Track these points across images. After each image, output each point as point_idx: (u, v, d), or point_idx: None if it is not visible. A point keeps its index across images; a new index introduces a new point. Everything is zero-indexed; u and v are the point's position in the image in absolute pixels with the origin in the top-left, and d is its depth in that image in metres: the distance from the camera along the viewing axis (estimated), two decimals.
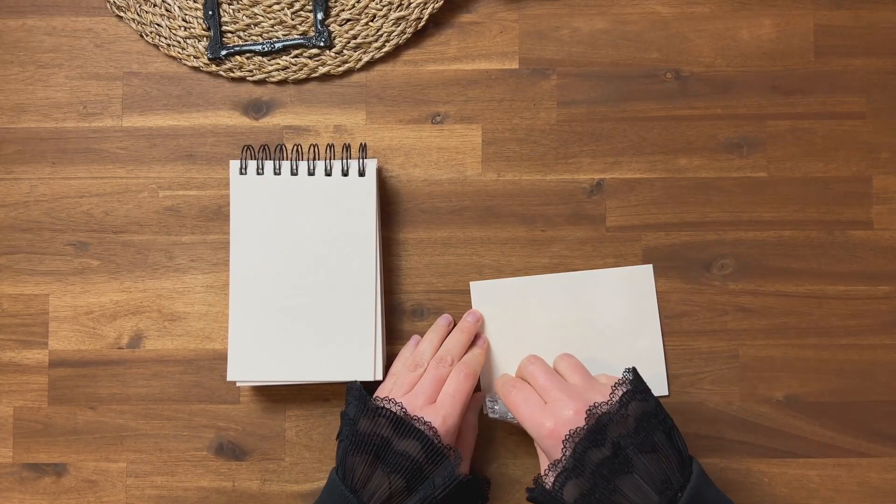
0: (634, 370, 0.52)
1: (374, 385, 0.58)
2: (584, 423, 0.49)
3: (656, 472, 0.47)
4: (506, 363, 0.60)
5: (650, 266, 0.60)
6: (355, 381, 0.55)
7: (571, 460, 0.48)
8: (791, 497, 0.60)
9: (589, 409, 0.49)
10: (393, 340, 0.61)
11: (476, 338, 0.59)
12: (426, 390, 0.53)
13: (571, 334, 0.59)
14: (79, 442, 0.60)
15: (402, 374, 0.55)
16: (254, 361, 0.57)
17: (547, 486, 0.49)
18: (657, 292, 0.60)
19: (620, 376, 0.52)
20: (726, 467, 0.60)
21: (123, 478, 0.60)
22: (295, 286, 0.57)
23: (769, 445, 0.60)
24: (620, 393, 0.50)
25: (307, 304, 0.57)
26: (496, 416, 0.58)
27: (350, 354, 0.57)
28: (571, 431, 0.49)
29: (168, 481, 0.60)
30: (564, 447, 0.49)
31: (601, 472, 0.47)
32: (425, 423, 0.51)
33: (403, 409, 0.52)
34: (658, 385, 0.59)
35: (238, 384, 0.58)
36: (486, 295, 0.60)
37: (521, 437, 0.60)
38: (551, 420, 0.50)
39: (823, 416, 0.60)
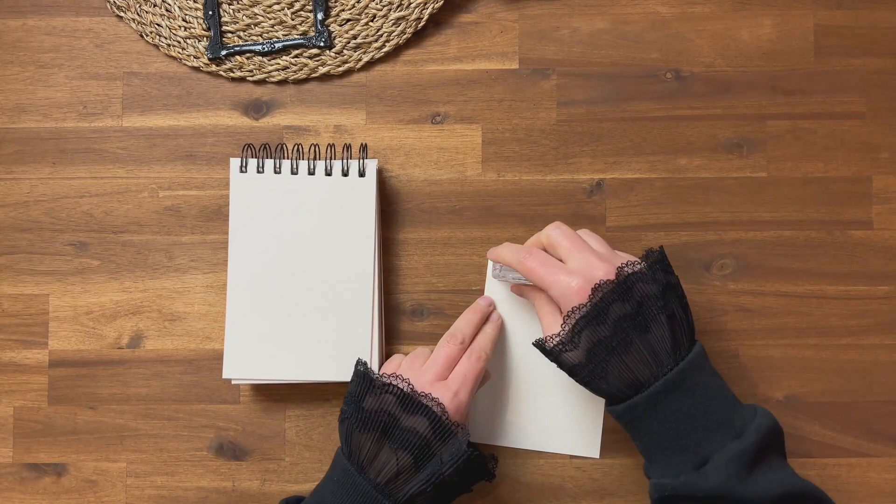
0: (661, 248, 0.53)
1: None
2: (607, 280, 0.50)
3: (668, 337, 0.49)
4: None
5: None
6: (360, 360, 0.55)
7: (597, 308, 0.49)
8: None
9: (619, 268, 0.50)
10: (392, 341, 0.61)
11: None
12: (435, 366, 0.53)
13: None
14: (79, 442, 0.60)
15: (408, 357, 0.55)
16: (250, 359, 0.57)
17: (561, 332, 0.50)
18: None
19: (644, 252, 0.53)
20: None
21: (123, 478, 0.60)
22: (293, 285, 0.58)
23: None
24: (651, 260, 0.51)
25: (305, 303, 0.57)
26: (501, 279, 0.58)
27: (347, 355, 0.57)
28: (601, 282, 0.49)
29: (168, 481, 0.60)
30: (592, 295, 0.49)
31: (621, 325, 0.49)
32: (433, 399, 0.51)
33: (411, 386, 0.51)
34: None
35: (233, 382, 0.58)
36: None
37: None
38: (580, 278, 0.50)
39: (823, 416, 0.60)
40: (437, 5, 0.61)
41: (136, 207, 0.61)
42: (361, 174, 0.58)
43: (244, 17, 0.61)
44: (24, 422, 0.60)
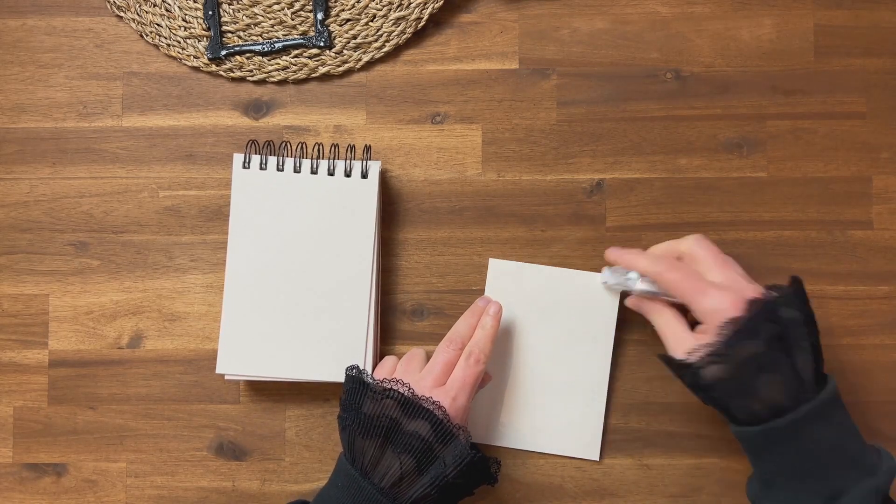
0: (800, 280, 0.53)
1: None
2: (761, 298, 0.50)
3: (810, 365, 0.49)
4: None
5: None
6: (354, 366, 0.55)
7: (751, 323, 0.49)
8: None
9: (766, 290, 0.51)
10: (393, 341, 0.61)
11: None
12: (434, 372, 0.53)
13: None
14: (79, 442, 0.60)
15: (404, 360, 0.55)
16: (244, 355, 0.57)
17: (712, 343, 0.50)
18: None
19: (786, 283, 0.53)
20: (727, 467, 0.60)
21: (123, 478, 0.60)
22: (290, 283, 0.57)
23: None
24: (794, 289, 0.51)
25: (301, 302, 0.57)
26: (617, 287, 0.58)
27: (341, 356, 0.57)
28: (754, 299, 0.50)
29: (168, 481, 0.60)
30: (748, 310, 0.49)
31: (773, 344, 0.49)
32: (434, 402, 0.51)
33: (411, 390, 0.51)
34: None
35: (227, 377, 0.58)
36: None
37: None
38: (732, 293, 0.50)
39: None
40: (437, 5, 0.61)
41: (136, 207, 0.61)
42: (364, 176, 0.58)
43: (244, 17, 0.61)
44: (24, 422, 0.60)
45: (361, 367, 0.55)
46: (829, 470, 0.48)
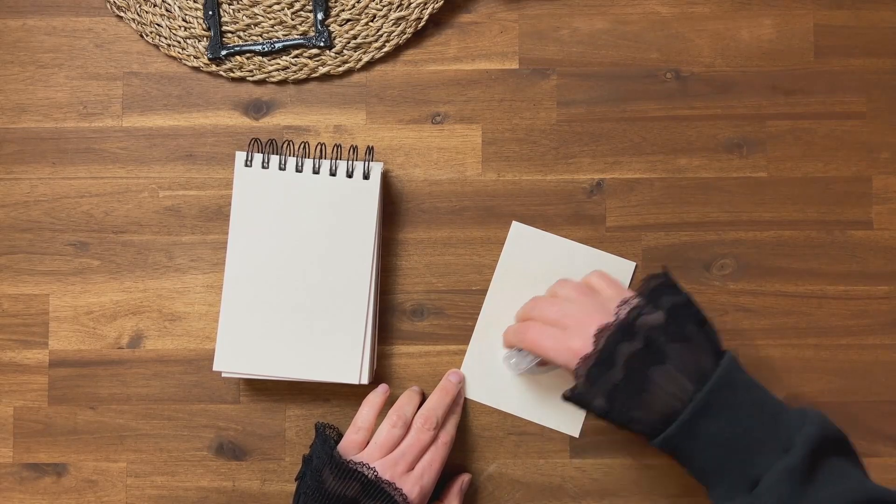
0: (666, 268, 0.52)
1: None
2: (607, 325, 0.49)
3: (689, 361, 0.47)
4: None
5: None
6: (323, 430, 0.55)
7: (604, 353, 0.48)
8: None
9: (618, 307, 0.49)
10: (392, 340, 0.61)
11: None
12: (407, 457, 0.53)
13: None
14: (79, 442, 0.60)
15: (382, 430, 0.55)
16: (242, 353, 0.57)
17: (577, 384, 0.49)
18: None
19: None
20: None
21: (123, 478, 0.60)
22: (289, 282, 0.57)
23: None
24: (651, 286, 0.50)
25: (300, 302, 0.57)
26: (522, 371, 0.58)
27: (338, 356, 0.57)
28: (602, 326, 0.48)
29: (168, 481, 0.60)
30: (596, 342, 0.48)
31: (633, 364, 0.47)
32: (396, 488, 0.51)
33: (375, 473, 0.52)
34: None
35: (223, 374, 0.58)
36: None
37: (521, 437, 0.60)
38: (579, 339, 0.49)
39: None
40: (437, 5, 0.61)
41: (136, 207, 0.61)
42: (366, 177, 0.58)
43: (244, 17, 0.61)
44: (24, 422, 0.60)
45: (330, 425, 0.56)
46: (739, 458, 0.46)
